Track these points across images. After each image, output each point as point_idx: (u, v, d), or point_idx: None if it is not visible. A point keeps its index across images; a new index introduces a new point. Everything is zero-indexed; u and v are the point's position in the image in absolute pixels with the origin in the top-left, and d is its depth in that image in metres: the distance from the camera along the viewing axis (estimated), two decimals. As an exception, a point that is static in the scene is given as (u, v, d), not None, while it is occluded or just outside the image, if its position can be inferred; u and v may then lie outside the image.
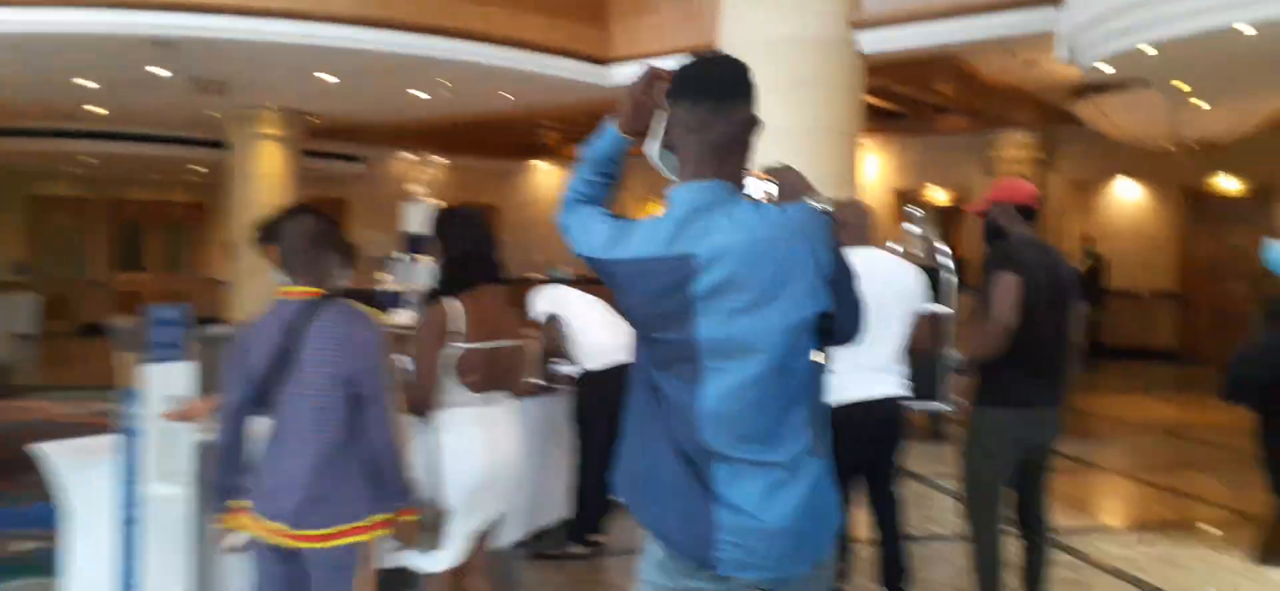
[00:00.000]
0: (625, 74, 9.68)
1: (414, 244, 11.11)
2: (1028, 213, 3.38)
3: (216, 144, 12.86)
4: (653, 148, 1.78)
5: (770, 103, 6.16)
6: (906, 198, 13.20)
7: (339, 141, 14.87)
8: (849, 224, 3.40)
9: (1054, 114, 11.62)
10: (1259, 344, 4.40)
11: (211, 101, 11.16)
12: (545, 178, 18.41)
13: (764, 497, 1.62)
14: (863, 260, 3.62)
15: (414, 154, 16.33)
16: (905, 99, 11.90)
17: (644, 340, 1.70)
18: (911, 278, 3.53)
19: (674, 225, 1.65)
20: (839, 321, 1.68)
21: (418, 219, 11.68)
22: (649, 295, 1.65)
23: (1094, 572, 4.35)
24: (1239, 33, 5.40)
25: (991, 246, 3.35)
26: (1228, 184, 12.40)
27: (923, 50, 8.11)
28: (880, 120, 13.10)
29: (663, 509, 1.67)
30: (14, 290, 13.43)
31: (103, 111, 12.05)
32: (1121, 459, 7.18)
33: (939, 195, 14.34)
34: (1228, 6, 5.28)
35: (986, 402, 3.28)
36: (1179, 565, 4.44)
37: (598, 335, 4.48)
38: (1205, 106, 8.10)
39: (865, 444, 3.30)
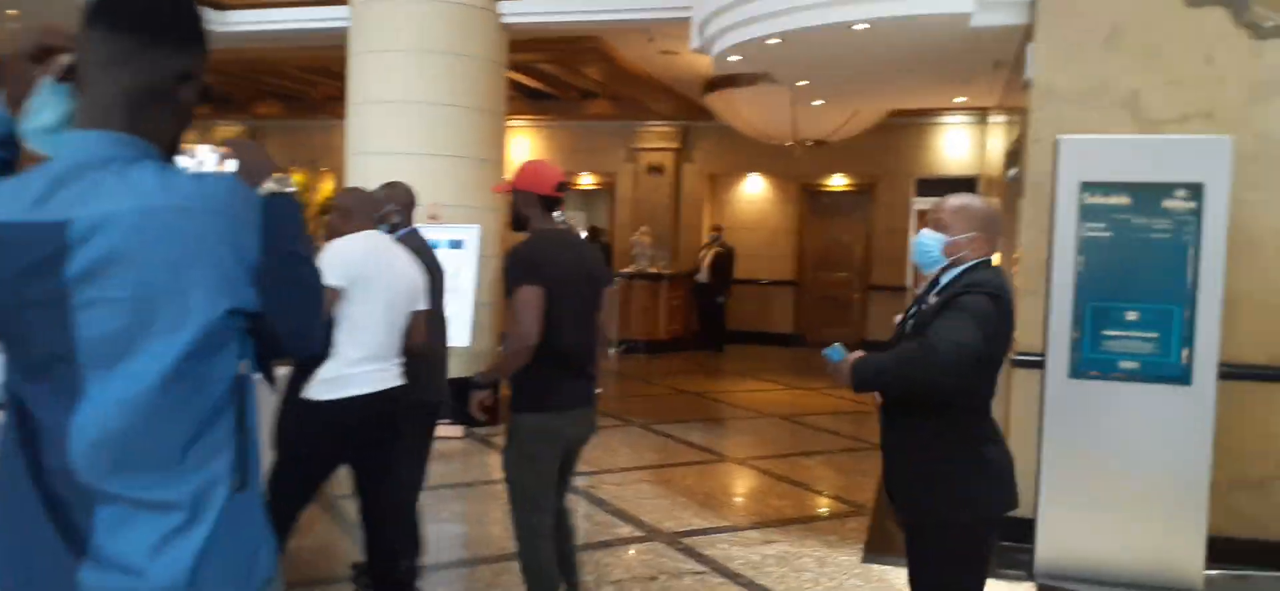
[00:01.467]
0: (243, 22, 8.48)
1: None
2: (551, 203, 3.25)
3: None
4: (37, 116, 1.43)
5: (410, 74, 5.82)
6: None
7: None
8: (355, 210, 3.38)
9: (691, 107, 11.98)
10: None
11: None
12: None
13: (154, 549, 1.29)
14: (367, 249, 3.25)
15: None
16: (556, 80, 11.68)
17: (7, 342, 1.32)
18: (414, 271, 3.46)
19: (48, 183, 1.28)
20: (277, 324, 1.40)
21: None
22: (8, 277, 1.27)
23: (718, 579, 4.19)
24: (854, 29, 5.59)
25: (512, 252, 3.18)
26: (837, 180, 13.56)
27: (562, 26, 7.91)
28: (531, 101, 12.80)
29: (7, 570, 1.30)
30: None
31: None
32: (745, 448, 7.34)
33: (586, 181, 14.36)
34: (848, 1, 5.42)
35: (524, 408, 3.21)
36: (796, 566, 4.41)
37: None
38: (819, 103, 8.56)
39: (355, 444, 3.26)
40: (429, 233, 4.26)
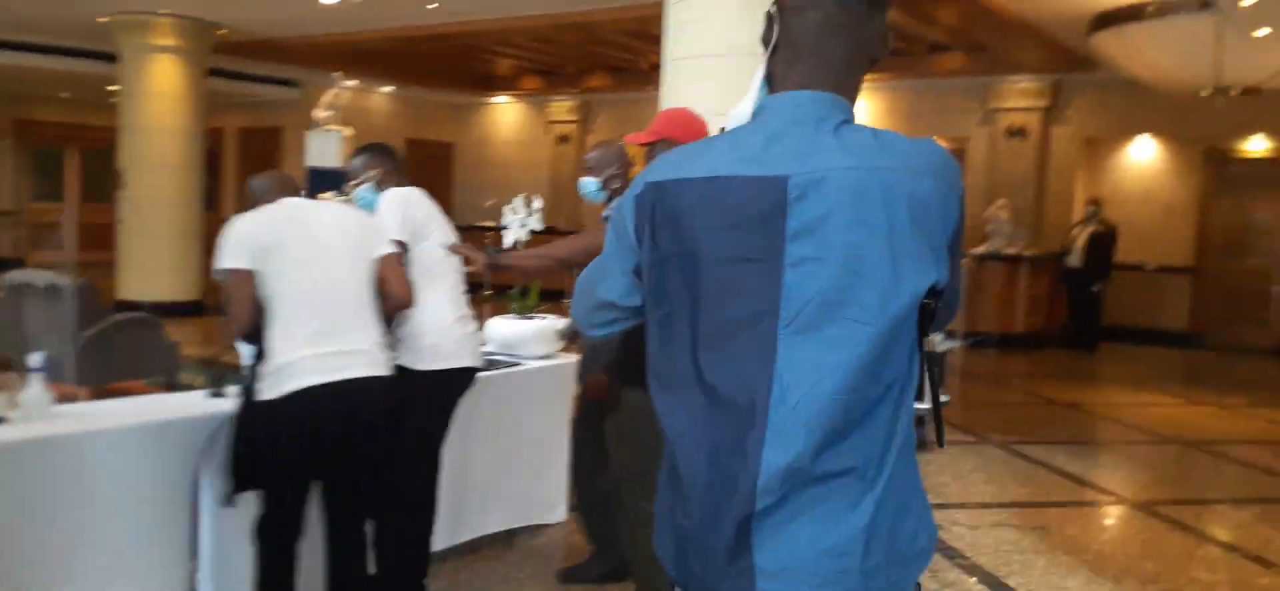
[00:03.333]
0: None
1: (318, 180, 9.59)
2: None
3: (111, 57, 11.18)
4: None
5: (732, 19, 5.02)
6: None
7: (267, 62, 13.29)
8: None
9: (1065, 56, 10.08)
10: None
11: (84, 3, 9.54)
12: (503, 114, 16.77)
13: (827, 523, 1.27)
14: (264, 217, 2.86)
15: (352, 80, 14.73)
16: (900, 32, 10.32)
17: (700, 299, 1.34)
18: (347, 218, 3.01)
19: (765, 139, 1.33)
20: (944, 303, 1.34)
21: (324, 152, 10.12)
22: (727, 229, 1.31)
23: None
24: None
25: None
26: (1256, 144, 10.91)
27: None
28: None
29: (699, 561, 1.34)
30: None
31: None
32: (1142, 485, 5.75)
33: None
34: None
35: (632, 382, 2.74)
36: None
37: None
38: (1264, 32, 6.54)
39: (316, 453, 2.83)
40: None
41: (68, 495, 2.86)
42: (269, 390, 2.72)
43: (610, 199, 3.37)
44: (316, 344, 2.74)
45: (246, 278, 2.78)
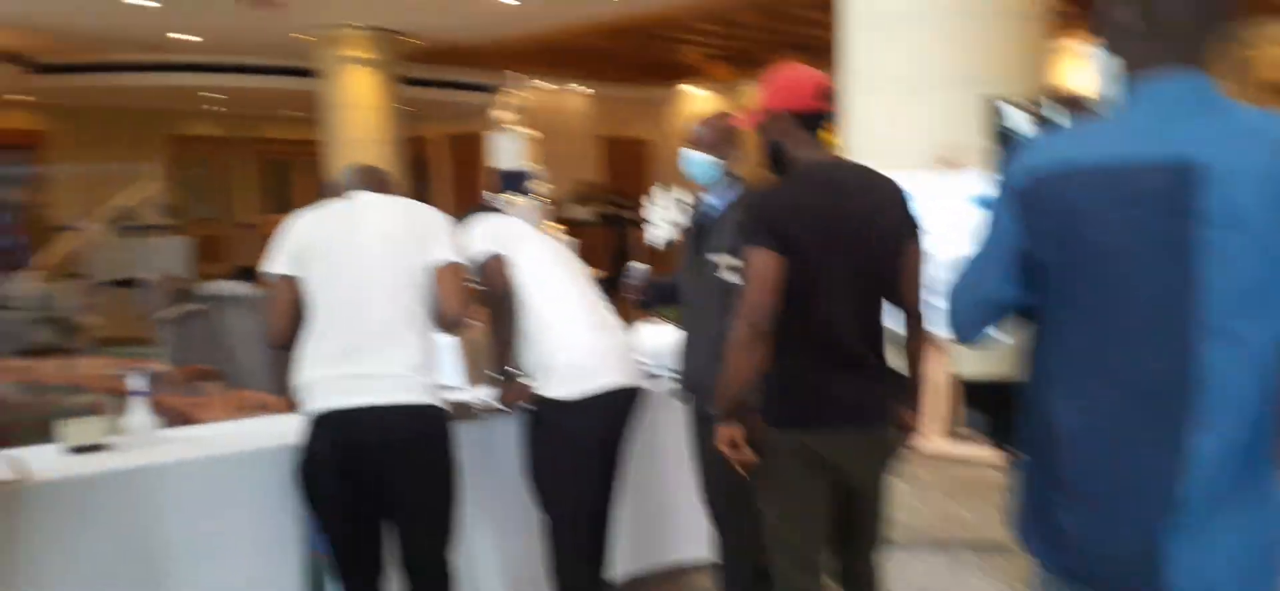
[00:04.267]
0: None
1: (507, 181, 9.59)
2: (812, 120, 2.34)
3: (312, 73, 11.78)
4: None
5: None
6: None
7: (462, 68, 13.62)
8: None
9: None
10: None
11: (276, 21, 10.00)
12: (696, 105, 16.41)
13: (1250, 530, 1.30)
14: (315, 217, 2.68)
15: (545, 81, 14.86)
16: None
17: (1092, 288, 1.34)
18: (396, 222, 2.70)
19: (1152, 122, 1.32)
20: None
21: (509, 153, 10.13)
22: (1122, 214, 1.30)
23: None
24: None
25: (745, 202, 2.54)
26: None
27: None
28: (1085, 7, 10.24)
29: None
30: (166, 233, 13.13)
31: (194, 38, 11.20)
32: None
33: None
34: None
35: (772, 420, 2.32)
36: None
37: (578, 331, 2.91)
38: None
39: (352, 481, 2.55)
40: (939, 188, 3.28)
41: (171, 524, 2.72)
42: (304, 409, 2.51)
43: (722, 179, 2.92)
44: (337, 363, 2.48)
45: (287, 284, 2.56)
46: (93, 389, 7.20)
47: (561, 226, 8.84)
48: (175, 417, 6.51)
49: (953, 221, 5.16)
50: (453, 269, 2.65)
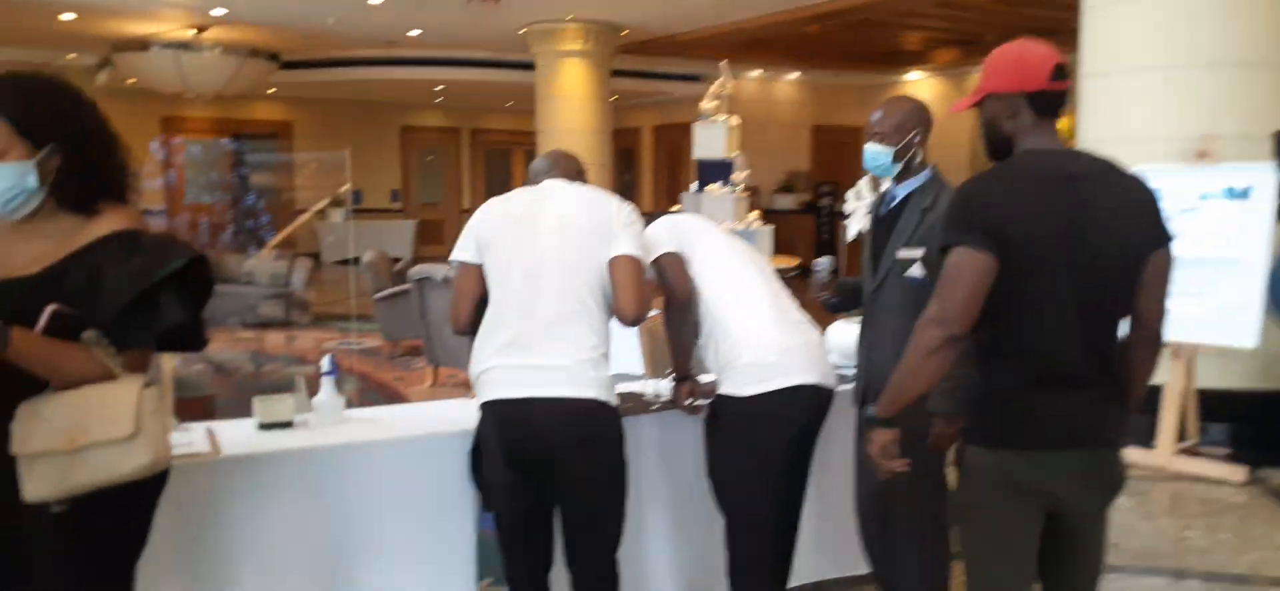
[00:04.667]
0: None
1: (709, 171, 9.44)
2: (1048, 103, 1.99)
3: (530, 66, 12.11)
4: None
5: None
6: None
7: (671, 59, 13.63)
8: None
9: None
10: None
11: (497, 16, 10.32)
12: (915, 91, 15.63)
13: None
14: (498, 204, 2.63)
15: (763, 71, 14.63)
16: None
17: None
18: (574, 206, 2.59)
19: None
20: None
21: (710, 143, 9.98)
22: None
23: None
24: None
25: (954, 194, 2.10)
26: None
27: None
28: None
29: None
30: (391, 217, 14.01)
31: (422, 33, 11.79)
32: None
33: None
34: None
35: (975, 439, 2.03)
36: None
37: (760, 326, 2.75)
38: None
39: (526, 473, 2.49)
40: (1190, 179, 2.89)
41: (352, 503, 2.76)
42: (477, 397, 2.49)
43: (903, 173, 2.71)
44: (508, 354, 2.43)
45: (470, 271, 2.54)
46: (311, 361, 7.67)
47: (761, 216, 8.62)
48: (383, 390, 6.87)
49: (1207, 220, 4.50)
50: (631, 263, 2.52)
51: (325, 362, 2.97)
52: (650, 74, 14.19)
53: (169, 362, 3.01)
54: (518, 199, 2.63)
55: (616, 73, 12.11)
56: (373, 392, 6.78)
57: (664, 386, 3.10)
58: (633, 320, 2.54)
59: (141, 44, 11.54)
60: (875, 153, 2.76)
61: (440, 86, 15.12)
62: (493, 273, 2.53)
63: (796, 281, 3.37)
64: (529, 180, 2.76)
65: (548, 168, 2.72)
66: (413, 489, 2.83)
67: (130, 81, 12.71)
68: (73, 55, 12.62)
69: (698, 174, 9.27)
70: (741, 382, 2.70)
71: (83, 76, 12.65)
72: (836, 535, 3.29)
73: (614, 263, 2.51)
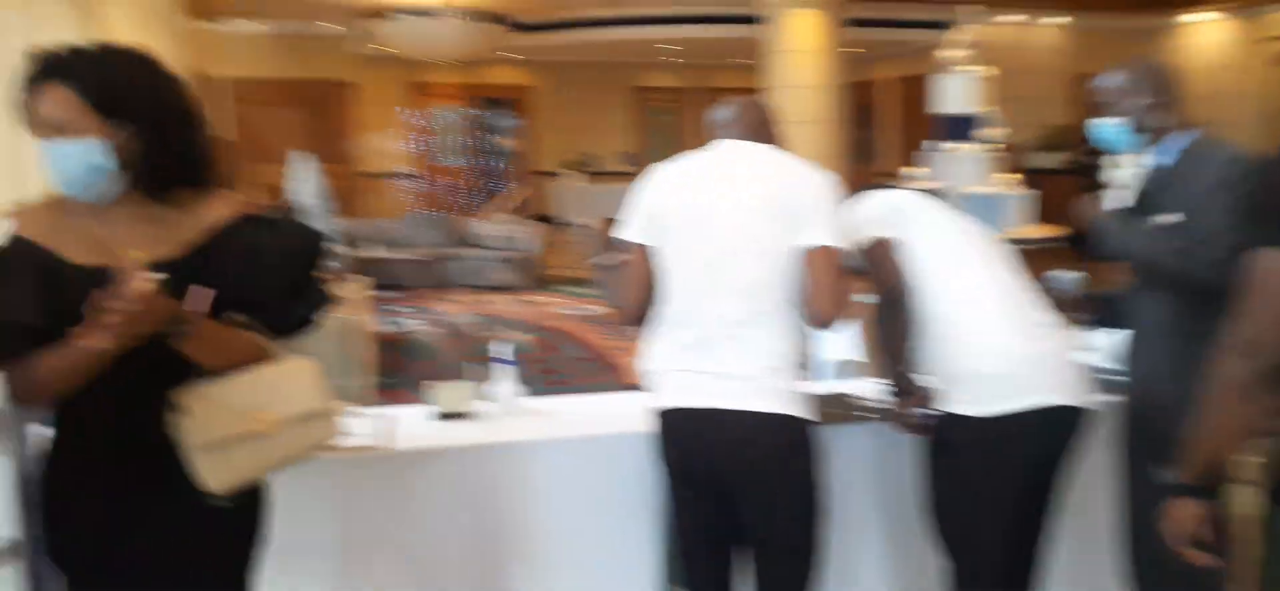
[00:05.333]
0: None
1: (953, 127, 8.63)
2: None
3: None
4: None
5: None
6: None
7: (913, 4, 12.66)
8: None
9: None
10: None
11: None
12: (1199, 35, 13.72)
13: None
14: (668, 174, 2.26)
15: (1018, 14, 13.36)
16: None
17: None
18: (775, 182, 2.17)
19: None
20: None
21: (956, 96, 9.12)
22: None
23: None
24: None
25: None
26: None
27: None
28: None
29: None
30: (624, 180, 14.15)
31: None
32: None
33: None
34: None
35: None
36: None
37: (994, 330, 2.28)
38: None
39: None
40: None
41: (525, 500, 2.56)
42: (651, 401, 2.18)
43: (1150, 143, 2.28)
44: (684, 355, 2.09)
45: (638, 254, 2.20)
46: (534, 325, 7.69)
47: (1019, 177, 7.72)
48: (600, 360, 6.77)
49: None
50: (826, 256, 2.11)
51: (503, 350, 2.76)
52: (890, 22, 13.27)
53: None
54: (692, 166, 2.25)
55: (852, 22, 11.37)
56: (591, 363, 6.70)
57: (880, 389, 2.65)
58: (826, 323, 2.13)
59: (383, 12, 12.09)
60: (1107, 126, 2.38)
61: (670, 45, 14.93)
62: (665, 258, 2.19)
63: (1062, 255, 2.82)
64: (708, 136, 2.36)
65: (728, 121, 2.30)
66: (593, 489, 2.59)
67: (375, 49, 13.41)
68: (323, 24, 13.46)
69: (937, 130, 8.48)
70: (976, 400, 2.22)
71: (331, 45, 13.49)
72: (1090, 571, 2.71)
73: (807, 254, 2.10)
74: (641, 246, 2.21)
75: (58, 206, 1.70)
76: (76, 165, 1.63)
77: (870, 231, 2.33)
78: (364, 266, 9.11)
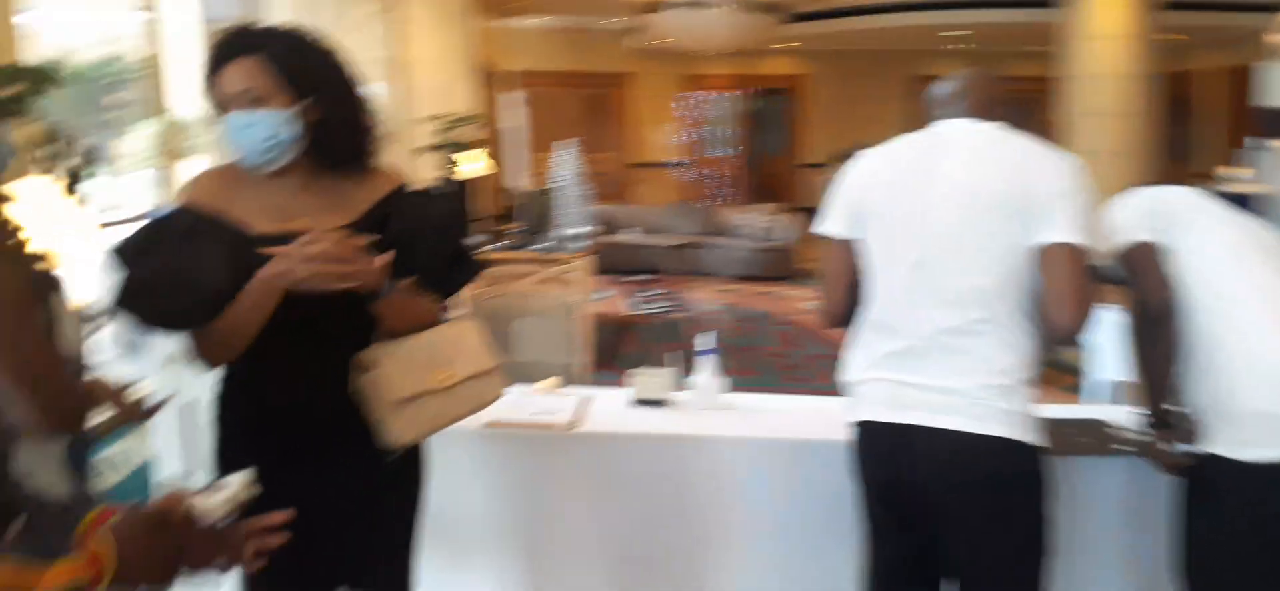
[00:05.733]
0: None
1: (1273, 123, 7.59)
2: None
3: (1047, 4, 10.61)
4: None
5: None
6: None
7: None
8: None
9: None
10: None
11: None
12: None
13: None
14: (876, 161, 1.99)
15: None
16: None
17: None
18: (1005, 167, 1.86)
19: None
20: None
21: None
22: None
23: None
24: None
25: None
26: None
27: None
28: None
29: None
30: None
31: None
32: None
33: None
34: None
35: None
36: None
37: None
38: None
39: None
40: None
41: (711, 494, 2.43)
42: (850, 411, 1.95)
43: None
44: (889, 366, 1.85)
45: (841, 250, 1.97)
46: (779, 319, 7.48)
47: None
48: (840, 355, 6.45)
49: None
50: (1068, 255, 1.78)
51: (706, 339, 2.61)
52: (1211, 4, 11.68)
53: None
54: (904, 151, 1.97)
55: (1167, 4, 10.10)
56: (832, 361, 6.42)
57: (1140, 419, 2.22)
58: (1068, 333, 1.79)
59: (660, 5, 12.28)
60: None
61: (957, 31, 14.06)
62: (872, 256, 1.94)
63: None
64: (926, 114, 2.06)
65: (949, 98, 1.98)
66: (782, 496, 2.40)
67: (652, 42, 13.68)
68: (604, 19, 13.89)
69: (1263, 125, 7.33)
70: (1247, 441, 1.80)
71: (611, 39, 13.90)
72: None
73: (1045, 253, 1.78)
74: (843, 242, 1.99)
75: (230, 178, 1.77)
76: (265, 134, 1.69)
77: (1131, 234, 1.95)
78: (617, 252, 9.30)
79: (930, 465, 1.81)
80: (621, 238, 9.79)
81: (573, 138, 7.10)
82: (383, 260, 1.67)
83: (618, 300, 8.30)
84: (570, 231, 6.15)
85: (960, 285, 1.81)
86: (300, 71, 1.70)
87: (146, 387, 1.86)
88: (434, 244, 1.81)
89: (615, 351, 5.96)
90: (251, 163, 1.72)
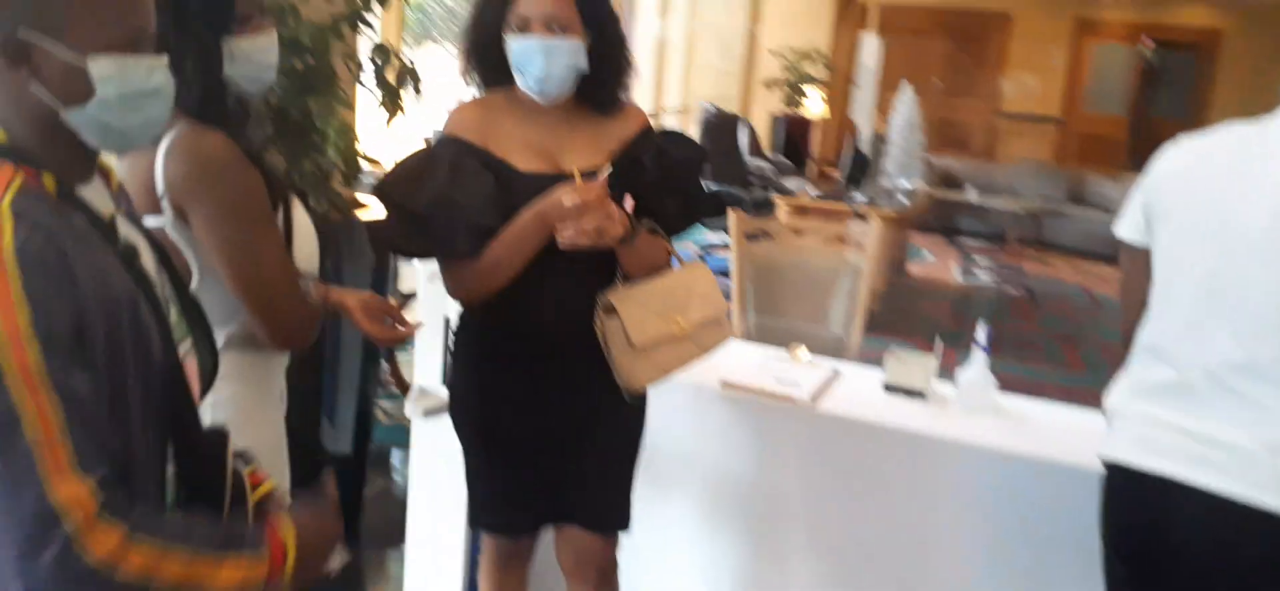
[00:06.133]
0: None
1: None
2: None
3: None
4: None
5: None
6: None
7: None
8: None
9: None
10: None
11: None
12: None
13: None
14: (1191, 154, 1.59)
15: None
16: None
17: None
18: None
19: None
20: None
21: None
22: None
23: None
24: None
25: None
26: None
27: None
28: None
29: None
30: None
31: None
32: None
33: None
34: None
35: None
36: None
37: None
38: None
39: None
40: None
41: (945, 505, 2.22)
42: (1105, 441, 1.64)
43: None
44: (1162, 399, 1.51)
45: (1138, 259, 1.63)
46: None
47: None
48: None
49: None
50: None
51: (982, 332, 2.33)
52: None
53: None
54: (1224, 140, 1.56)
55: None
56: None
57: None
58: None
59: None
60: None
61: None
62: (1160, 265, 1.59)
63: None
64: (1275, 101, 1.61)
65: None
66: (1020, 524, 2.12)
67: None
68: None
69: None
70: None
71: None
72: None
73: None
74: (1142, 249, 1.64)
75: (490, 110, 1.81)
76: (562, 63, 1.72)
77: None
78: (955, 211, 8.64)
79: (1187, 531, 1.48)
80: (965, 196, 9.12)
81: (935, 82, 6.64)
82: (628, 209, 1.71)
83: (945, 264, 7.75)
84: (891, 185, 5.80)
85: (1263, 312, 1.43)
86: (593, 4, 1.73)
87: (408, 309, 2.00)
88: (669, 184, 1.82)
89: (916, 320, 5.59)
90: (542, 90, 1.74)
